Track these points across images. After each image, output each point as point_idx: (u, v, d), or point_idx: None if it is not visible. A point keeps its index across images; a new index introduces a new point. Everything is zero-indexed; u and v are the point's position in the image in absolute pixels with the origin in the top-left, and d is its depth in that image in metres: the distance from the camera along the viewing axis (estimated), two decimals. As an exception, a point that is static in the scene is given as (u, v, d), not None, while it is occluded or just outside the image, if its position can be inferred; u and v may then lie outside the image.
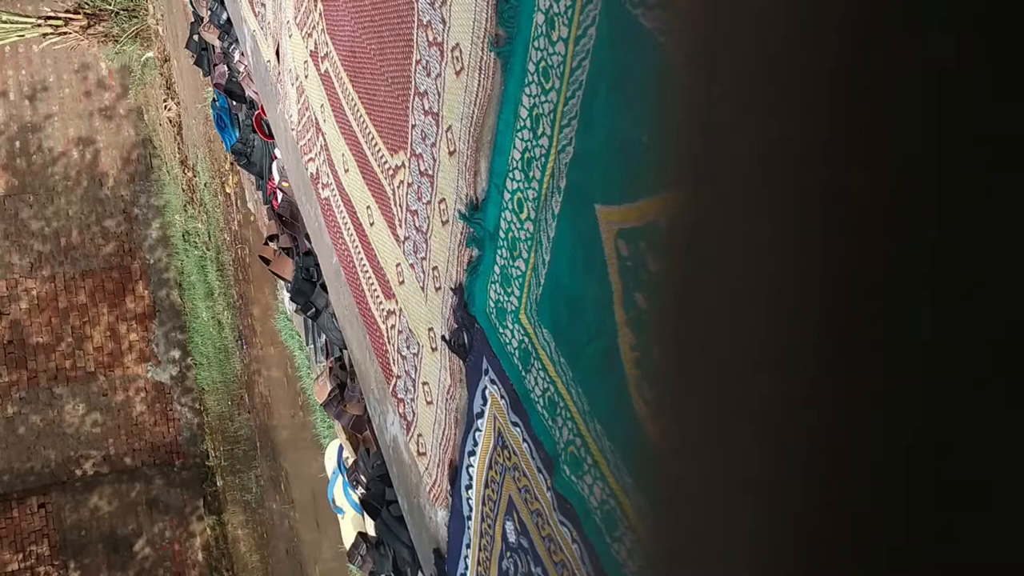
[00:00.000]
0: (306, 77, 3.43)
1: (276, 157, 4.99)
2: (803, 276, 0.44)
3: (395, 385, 2.87)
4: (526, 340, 1.86)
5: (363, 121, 2.76)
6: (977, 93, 0.39)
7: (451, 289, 2.20)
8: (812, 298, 0.44)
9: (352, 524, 4.13)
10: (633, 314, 1.47)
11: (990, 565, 0.41)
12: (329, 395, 4.17)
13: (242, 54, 5.11)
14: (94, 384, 10.09)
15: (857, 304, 0.42)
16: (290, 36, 3.58)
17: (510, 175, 1.78)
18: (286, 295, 5.20)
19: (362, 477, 3.82)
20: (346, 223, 3.17)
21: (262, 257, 5.12)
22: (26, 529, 9.73)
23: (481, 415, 2.18)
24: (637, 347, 1.45)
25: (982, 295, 0.40)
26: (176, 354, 10.36)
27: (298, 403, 6.50)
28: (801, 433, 0.45)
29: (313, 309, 4.47)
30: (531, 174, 1.70)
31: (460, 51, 1.89)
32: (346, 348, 3.95)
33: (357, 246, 3.07)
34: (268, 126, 4.83)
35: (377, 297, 2.92)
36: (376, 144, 2.66)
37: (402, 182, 2.44)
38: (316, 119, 3.38)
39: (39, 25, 9.36)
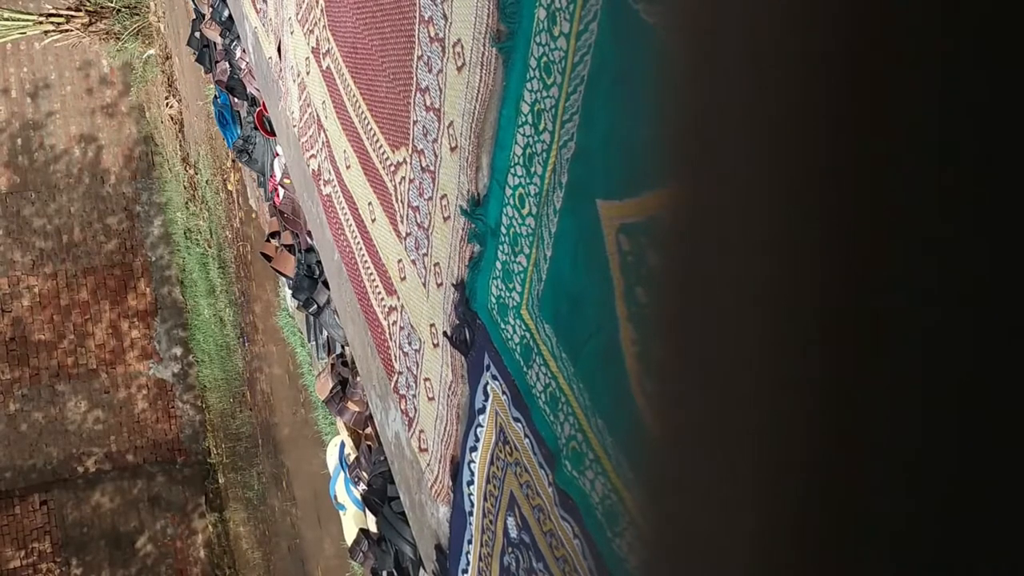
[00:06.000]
0: (308, 73, 3.43)
1: (278, 154, 4.99)
2: (803, 272, 0.44)
3: (397, 381, 2.87)
4: (527, 335, 1.87)
5: (364, 117, 2.76)
6: (980, 83, 0.39)
7: (453, 285, 2.20)
8: (812, 295, 0.44)
9: (354, 520, 4.13)
10: (634, 309, 1.47)
11: (991, 565, 0.41)
12: (331, 392, 4.17)
13: (243, 51, 5.12)
14: (96, 381, 10.10)
15: (856, 301, 0.42)
16: (292, 32, 3.58)
17: (512, 171, 1.78)
18: (288, 292, 5.21)
19: (364, 474, 3.82)
20: (348, 219, 3.18)
21: (264, 254, 5.13)
22: (28, 526, 9.74)
23: (483, 411, 2.18)
24: (638, 342, 1.45)
25: (985, 295, 0.40)
26: (178, 351, 10.37)
27: (300, 400, 6.51)
28: (801, 430, 0.45)
29: (315, 306, 4.48)
30: (533, 170, 1.70)
31: (462, 47, 1.89)
32: (348, 345, 3.96)
33: (359, 242, 3.07)
34: (270, 123, 4.83)
35: (379, 293, 2.92)
36: (377, 140, 2.66)
37: (404, 178, 2.44)
38: (318, 115, 3.38)
39: (41, 22, 9.36)
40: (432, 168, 2.20)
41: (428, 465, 2.67)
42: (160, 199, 10.35)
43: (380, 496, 3.51)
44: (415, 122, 2.27)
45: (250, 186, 6.86)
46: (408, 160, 2.38)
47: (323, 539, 6.30)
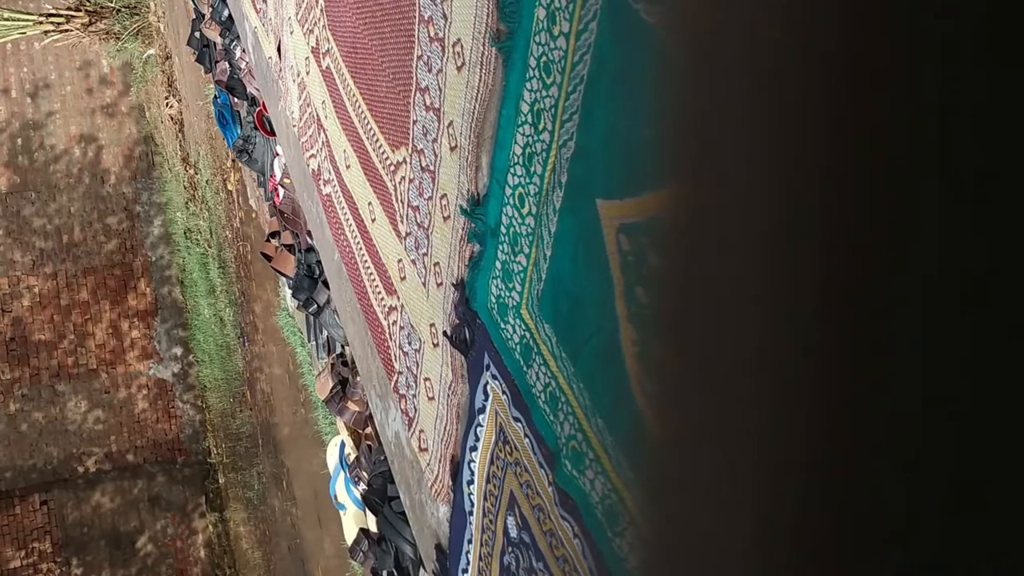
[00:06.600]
0: (307, 73, 3.43)
1: (278, 154, 4.99)
2: (803, 272, 0.44)
3: (397, 381, 2.87)
4: (527, 335, 1.87)
5: (364, 117, 2.76)
6: (980, 83, 0.39)
7: (452, 285, 2.20)
8: (812, 295, 0.44)
9: (354, 520, 4.13)
10: (634, 309, 1.47)
11: (991, 565, 0.41)
12: (331, 392, 4.17)
13: (243, 51, 5.12)
14: (96, 381, 10.10)
15: (856, 301, 0.42)
16: (291, 32, 3.58)
17: (511, 170, 1.78)
18: (288, 292, 5.21)
19: (364, 473, 3.82)
20: (347, 219, 3.18)
21: (264, 254, 5.13)
22: (28, 526, 9.74)
23: (483, 410, 2.18)
24: (638, 342, 1.45)
25: (985, 295, 0.40)
26: (178, 351, 10.37)
27: (300, 400, 6.51)
28: (800, 429, 0.45)
29: (315, 305, 4.48)
30: (532, 169, 1.70)
31: (461, 46, 1.89)
32: (348, 344, 3.96)
33: (359, 242, 3.07)
34: (270, 123, 4.83)
35: (379, 293, 2.92)
36: (377, 140, 2.66)
37: (403, 178, 2.44)
38: (318, 115, 3.38)
39: (40, 22, 9.36)
40: (432, 168, 2.20)
41: (428, 465, 2.67)
42: (160, 199, 10.35)
43: (380, 496, 3.51)
44: (415, 122, 2.27)
45: (250, 186, 6.86)
46: (408, 160, 2.38)
47: (323, 539, 6.30)
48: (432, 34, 2.04)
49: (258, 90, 4.95)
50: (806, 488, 0.46)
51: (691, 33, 0.49)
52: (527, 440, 1.94)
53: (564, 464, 1.77)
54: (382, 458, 3.48)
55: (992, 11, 0.38)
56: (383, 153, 2.62)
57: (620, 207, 1.46)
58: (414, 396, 2.72)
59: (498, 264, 1.94)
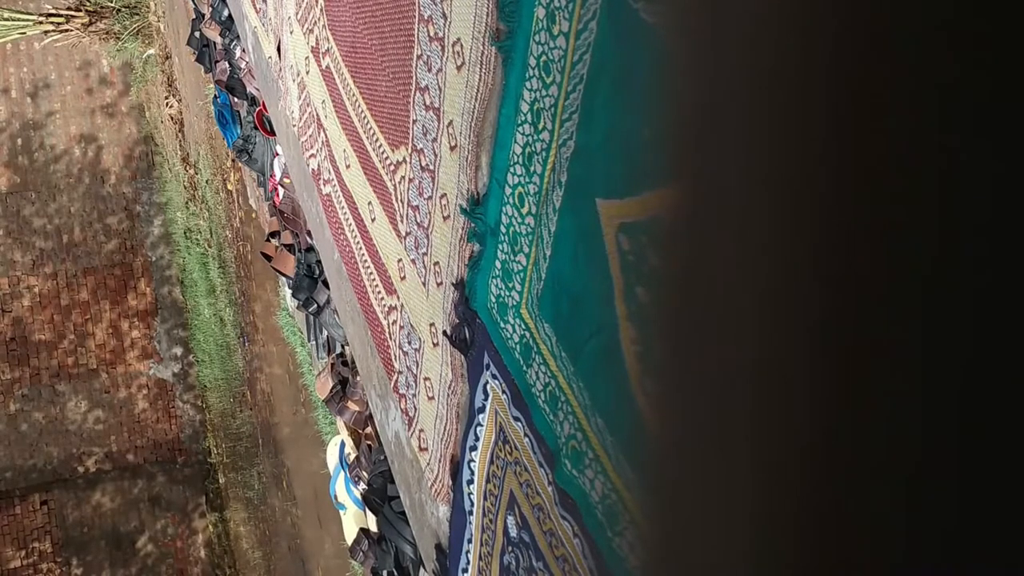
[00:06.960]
0: (307, 73, 3.43)
1: (278, 153, 4.99)
2: (803, 272, 0.44)
3: (396, 381, 2.87)
4: (527, 335, 1.87)
5: (364, 117, 2.76)
6: (980, 83, 0.39)
7: (452, 284, 2.20)
8: (812, 294, 0.44)
9: (354, 520, 4.13)
10: (634, 308, 1.47)
11: (992, 566, 0.41)
12: (331, 391, 4.17)
13: (243, 50, 5.11)
14: (96, 381, 10.10)
15: (854, 302, 0.42)
16: (291, 32, 3.58)
17: (511, 170, 1.78)
18: (288, 291, 5.21)
19: (364, 473, 3.82)
20: (347, 219, 3.17)
21: (264, 254, 5.12)
22: (28, 526, 9.74)
23: (483, 410, 2.18)
24: (638, 341, 1.45)
25: (982, 297, 0.40)
26: (178, 351, 10.37)
27: (300, 400, 6.51)
28: (800, 430, 0.45)
29: (315, 305, 4.48)
30: (532, 168, 1.70)
31: (461, 46, 1.89)
32: (348, 344, 3.96)
33: (359, 242, 3.07)
34: (270, 122, 4.83)
35: (378, 293, 2.92)
36: (377, 140, 2.66)
37: (403, 177, 2.44)
38: (317, 115, 3.38)
39: (40, 22, 9.36)
40: (432, 167, 2.20)
41: (428, 464, 2.67)
42: (160, 199, 10.35)
43: (380, 495, 3.51)
44: (415, 121, 2.27)
45: (250, 186, 6.86)
46: (408, 159, 2.38)
47: (323, 539, 6.30)
48: (432, 33, 2.04)
49: (258, 90, 4.95)
50: (805, 487, 0.46)
51: (691, 33, 0.49)
52: (527, 439, 1.94)
53: (564, 464, 1.77)
54: (382, 458, 3.48)
55: (992, 11, 0.38)
56: (383, 153, 2.62)
57: (620, 206, 1.46)
58: (414, 396, 2.72)
59: (498, 264, 1.94)
